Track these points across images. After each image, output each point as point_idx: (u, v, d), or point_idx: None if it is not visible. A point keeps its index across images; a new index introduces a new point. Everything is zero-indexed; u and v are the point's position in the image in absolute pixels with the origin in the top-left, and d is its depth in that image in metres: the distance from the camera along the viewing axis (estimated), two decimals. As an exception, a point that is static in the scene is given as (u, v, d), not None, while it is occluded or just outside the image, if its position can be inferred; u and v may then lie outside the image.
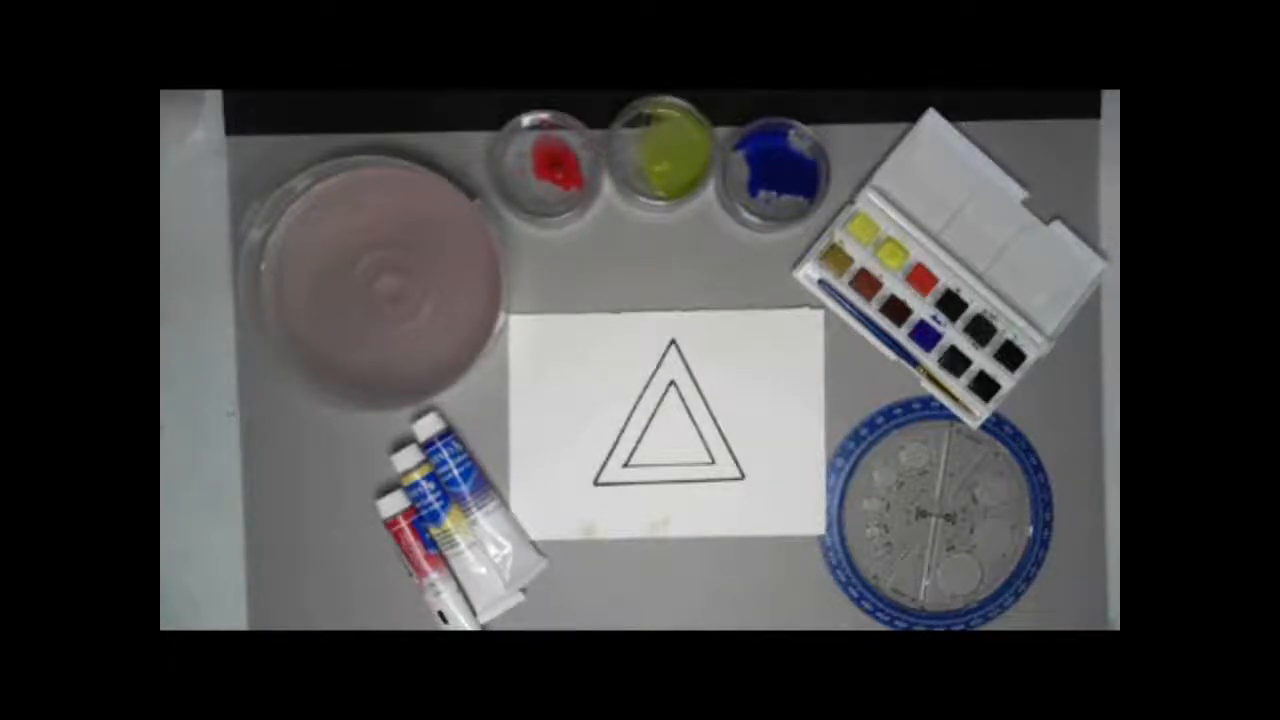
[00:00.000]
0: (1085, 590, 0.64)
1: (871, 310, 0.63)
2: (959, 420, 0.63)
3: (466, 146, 0.63)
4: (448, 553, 0.61)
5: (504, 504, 0.63)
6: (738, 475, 0.63)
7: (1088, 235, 0.63)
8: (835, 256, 0.63)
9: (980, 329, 0.63)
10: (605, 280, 0.63)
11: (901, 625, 0.63)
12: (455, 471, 0.61)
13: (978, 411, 0.63)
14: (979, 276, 0.63)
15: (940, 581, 0.64)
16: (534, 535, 0.63)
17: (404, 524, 0.61)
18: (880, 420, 0.63)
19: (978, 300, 0.63)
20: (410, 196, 0.60)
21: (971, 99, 0.63)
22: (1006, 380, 0.63)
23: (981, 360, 0.63)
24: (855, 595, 0.63)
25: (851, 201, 0.63)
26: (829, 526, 0.63)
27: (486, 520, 0.61)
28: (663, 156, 0.61)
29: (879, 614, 0.63)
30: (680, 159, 0.61)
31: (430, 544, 0.61)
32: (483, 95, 0.62)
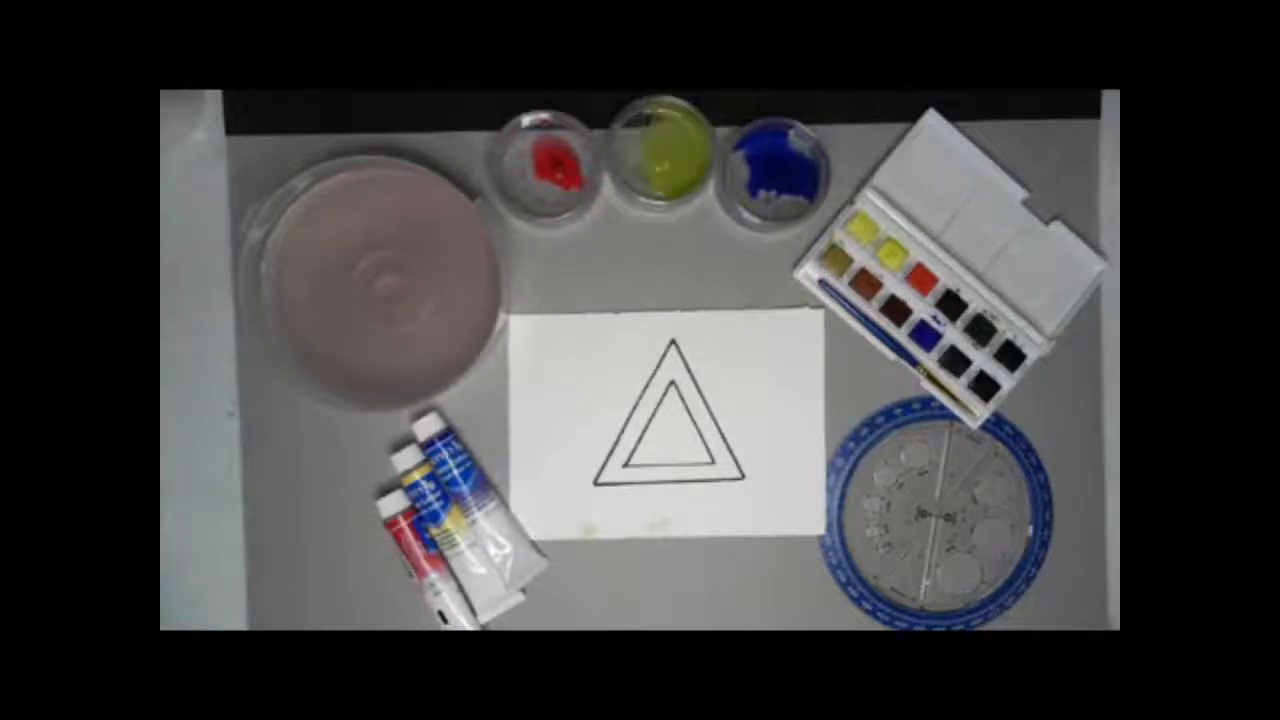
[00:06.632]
0: (1085, 590, 0.64)
1: (871, 310, 0.63)
2: (959, 420, 0.63)
3: (466, 146, 0.63)
4: (448, 553, 0.61)
5: (504, 504, 0.63)
6: (738, 475, 0.63)
7: (1087, 235, 0.63)
8: (835, 256, 0.63)
9: (980, 329, 0.63)
10: (605, 280, 0.63)
11: (901, 625, 0.63)
12: (455, 471, 0.61)
13: (978, 411, 0.63)
14: (979, 276, 0.63)
15: (940, 581, 0.64)
16: (534, 535, 0.63)
17: (404, 524, 0.61)
18: (880, 420, 0.63)
19: (978, 300, 0.63)
20: (410, 196, 0.60)
21: (971, 99, 0.63)
22: (1006, 380, 0.63)
23: (981, 360, 0.63)
24: (855, 595, 0.63)
25: (851, 201, 0.63)
26: (829, 526, 0.63)
27: (486, 520, 0.61)
28: (663, 156, 0.61)
29: (879, 614, 0.63)
30: (680, 159, 0.61)
31: (430, 544, 0.61)
32: (483, 95, 0.62)
